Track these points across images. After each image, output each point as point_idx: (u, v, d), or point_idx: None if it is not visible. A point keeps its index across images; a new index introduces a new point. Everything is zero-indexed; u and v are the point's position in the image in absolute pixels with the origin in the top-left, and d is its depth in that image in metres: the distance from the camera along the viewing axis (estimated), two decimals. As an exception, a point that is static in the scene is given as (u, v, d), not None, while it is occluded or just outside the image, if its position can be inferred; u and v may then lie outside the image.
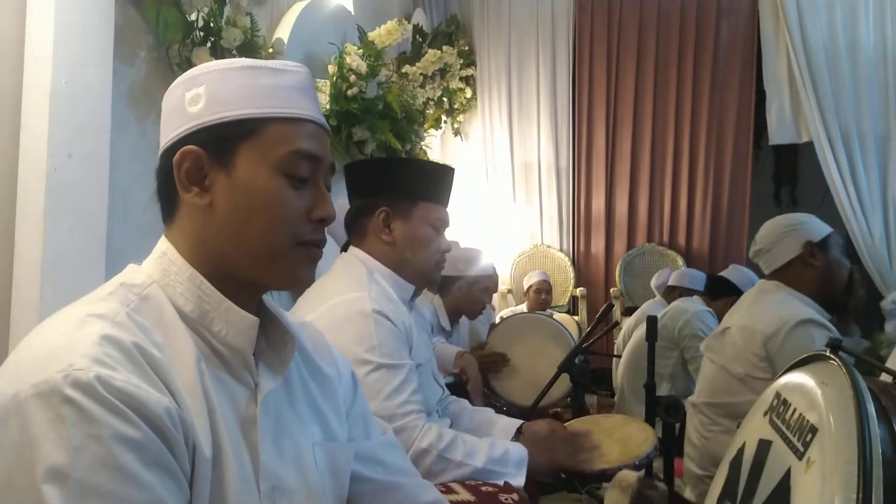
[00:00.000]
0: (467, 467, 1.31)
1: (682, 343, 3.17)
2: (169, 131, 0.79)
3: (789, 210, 1.92)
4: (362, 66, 3.06)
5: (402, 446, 1.10)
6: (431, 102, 4.51)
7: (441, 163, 1.60)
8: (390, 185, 1.48)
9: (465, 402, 1.74)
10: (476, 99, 5.38)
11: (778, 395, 1.00)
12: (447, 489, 1.27)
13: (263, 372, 0.79)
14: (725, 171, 5.05)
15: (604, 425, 1.54)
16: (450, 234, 1.59)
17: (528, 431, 1.50)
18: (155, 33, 2.09)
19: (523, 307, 4.52)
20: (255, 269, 0.78)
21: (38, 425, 0.59)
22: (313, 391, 0.88)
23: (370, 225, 1.48)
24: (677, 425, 1.68)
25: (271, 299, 0.87)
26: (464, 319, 3.00)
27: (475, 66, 5.34)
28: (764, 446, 0.96)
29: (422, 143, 4.01)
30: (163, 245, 0.79)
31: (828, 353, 0.92)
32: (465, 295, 2.80)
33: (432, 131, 4.76)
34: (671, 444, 1.56)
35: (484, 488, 1.29)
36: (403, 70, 4.07)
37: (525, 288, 4.54)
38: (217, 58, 2.20)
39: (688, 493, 1.99)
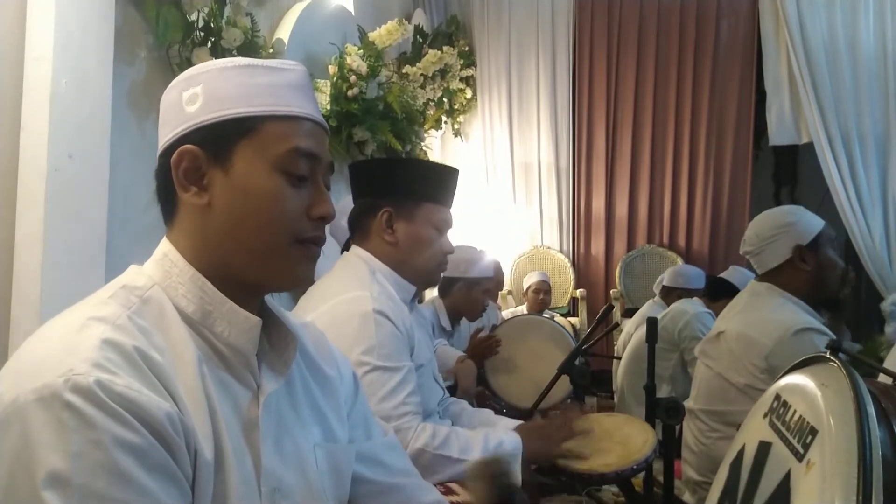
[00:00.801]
0: (464, 463, 1.31)
1: (682, 345, 3.17)
2: (167, 131, 0.79)
3: None
4: (363, 67, 3.06)
5: None
6: (432, 103, 4.51)
7: (445, 164, 1.60)
8: (394, 186, 1.48)
9: (465, 403, 1.74)
10: (476, 99, 5.38)
11: (778, 396, 1.00)
12: (448, 490, 1.27)
13: (265, 373, 0.79)
14: (725, 172, 5.05)
15: (604, 425, 1.54)
16: (450, 235, 1.59)
17: (523, 425, 1.51)
18: (155, 33, 2.09)
19: (523, 308, 4.52)
20: (254, 269, 0.77)
21: (38, 430, 0.59)
22: (315, 392, 0.88)
23: (373, 225, 1.48)
24: (677, 427, 1.68)
25: (272, 300, 0.86)
26: (466, 320, 3.00)
27: (475, 67, 5.34)
28: (764, 448, 0.96)
29: (422, 143, 4.02)
30: (164, 246, 0.79)
31: (828, 355, 0.92)
32: (465, 297, 2.79)
33: (432, 132, 4.76)
34: (671, 447, 1.55)
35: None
36: (404, 70, 4.08)
37: (524, 288, 4.54)
38: (217, 58, 2.19)
39: (687, 497, 1.99)
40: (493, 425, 1.58)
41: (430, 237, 1.49)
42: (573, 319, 5.02)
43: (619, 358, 3.61)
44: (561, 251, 5.30)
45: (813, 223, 1.87)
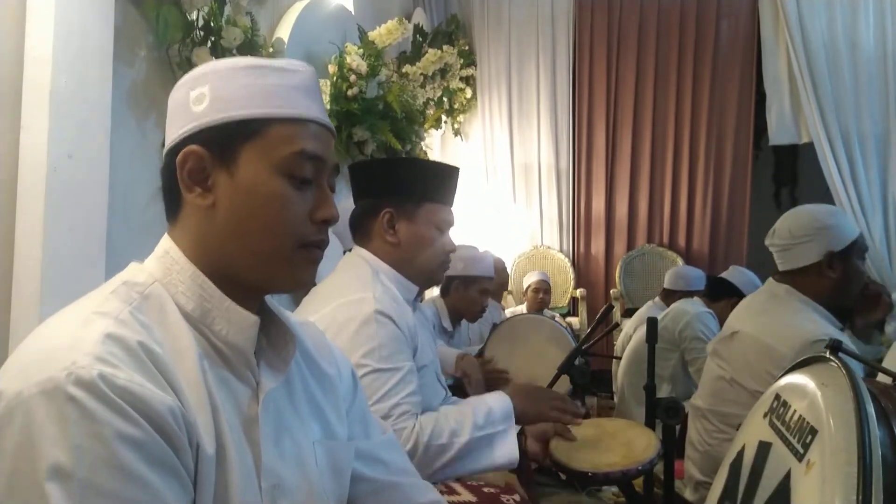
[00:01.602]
0: (456, 445, 1.31)
1: (682, 345, 3.16)
2: (173, 130, 0.79)
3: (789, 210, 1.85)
4: (362, 66, 3.06)
5: None
6: (431, 102, 4.51)
7: (445, 163, 1.60)
8: (395, 186, 1.48)
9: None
10: (476, 99, 5.38)
11: (778, 396, 1.00)
12: (449, 490, 1.27)
13: (265, 371, 0.79)
14: (725, 172, 5.05)
15: (607, 428, 1.54)
16: (451, 234, 1.59)
17: (513, 385, 1.50)
18: (155, 33, 2.09)
19: (522, 308, 4.52)
20: (255, 271, 0.78)
21: (41, 423, 0.59)
22: (314, 390, 0.88)
23: (375, 225, 1.48)
24: (677, 427, 1.68)
25: (272, 298, 0.87)
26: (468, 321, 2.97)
27: (475, 66, 5.34)
28: (764, 448, 0.96)
29: (422, 143, 4.02)
30: (165, 243, 0.79)
31: (828, 355, 0.92)
32: (462, 296, 2.76)
33: (432, 131, 4.77)
34: (671, 447, 1.55)
35: (485, 489, 1.29)
36: (403, 70, 4.08)
37: (524, 288, 4.54)
38: (217, 57, 2.20)
39: (688, 495, 1.98)
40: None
41: (431, 236, 1.49)
42: (573, 319, 5.02)
43: (619, 358, 3.61)
44: (561, 251, 5.30)
45: (849, 230, 1.80)
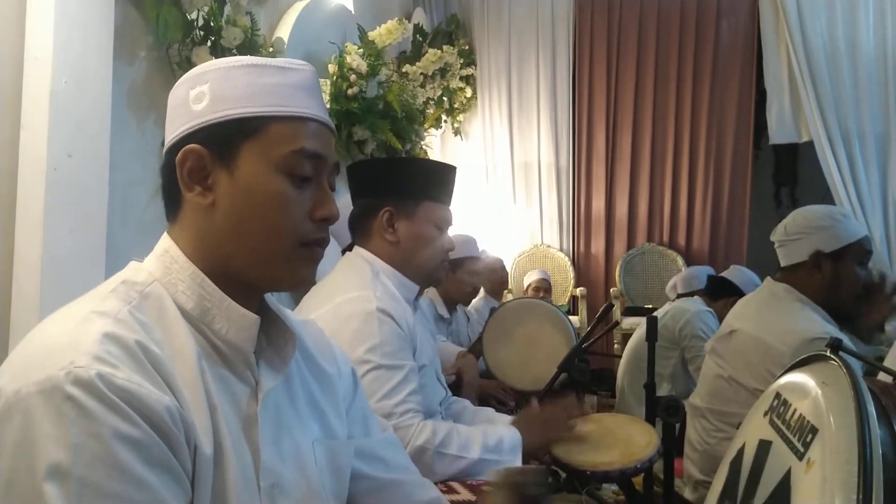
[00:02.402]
0: (464, 460, 1.32)
1: (682, 343, 3.17)
2: (173, 129, 0.79)
3: (789, 210, 1.84)
4: (362, 66, 3.06)
5: None
6: (431, 102, 4.51)
7: (443, 162, 1.60)
8: (394, 185, 1.49)
9: (466, 402, 1.75)
10: (476, 98, 5.38)
11: (778, 395, 1.00)
12: (448, 489, 1.27)
13: (264, 370, 0.79)
14: (725, 171, 5.04)
15: (607, 424, 1.54)
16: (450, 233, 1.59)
17: (521, 417, 1.51)
18: (155, 33, 2.09)
19: (523, 306, 4.51)
20: (255, 269, 0.77)
21: (39, 422, 0.59)
22: (313, 389, 0.88)
23: (374, 225, 1.49)
24: (677, 426, 1.68)
25: (272, 297, 0.87)
26: (471, 310, 2.96)
27: (475, 66, 5.34)
28: (764, 447, 0.96)
29: (422, 142, 4.02)
30: (165, 242, 0.79)
31: (828, 353, 0.92)
32: (452, 279, 2.78)
33: (432, 131, 4.76)
34: (671, 445, 1.55)
35: (485, 488, 1.29)
36: (404, 69, 4.07)
37: (525, 286, 4.54)
38: (217, 57, 2.19)
39: (687, 494, 1.98)
40: (493, 423, 1.59)
41: (431, 235, 1.50)
42: (573, 318, 5.02)
43: (619, 357, 3.61)
44: (561, 250, 5.30)
45: (847, 233, 1.80)
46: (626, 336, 4.25)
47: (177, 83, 0.81)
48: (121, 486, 0.60)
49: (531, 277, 4.48)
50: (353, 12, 3.57)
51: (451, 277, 2.77)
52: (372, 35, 3.37)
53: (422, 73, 4.15)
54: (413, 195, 1.48)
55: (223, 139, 0.76)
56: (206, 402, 0.70)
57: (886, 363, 1.58)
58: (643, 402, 1.74)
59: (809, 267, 1.80)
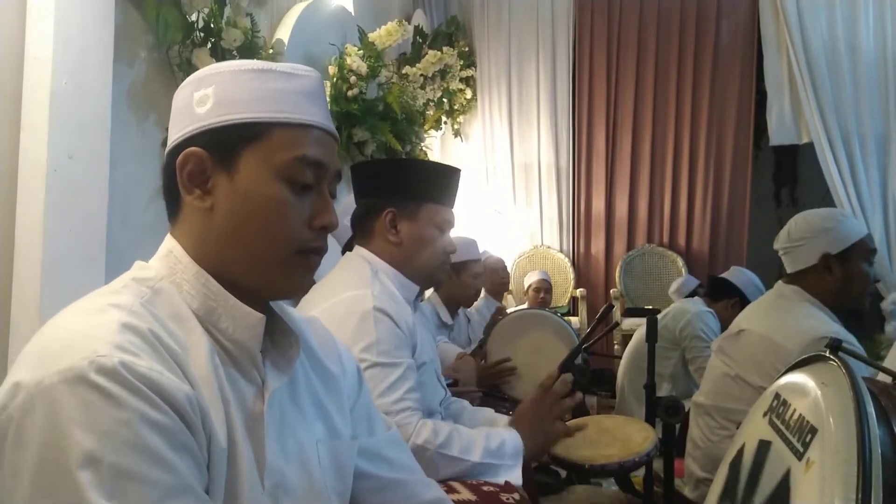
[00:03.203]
0: (465, 462, 1.32)
1: (683, 343, 3.17)
2: (176, 131, 0.79)
3: (789, 211, 1.84)
4: (362, 67, 3.06)
5: None
6: (431, 103, 4.51)
7: (447, 164, 1.61)
8: (397, 186, 1.49)
9: (465, 402, 1.75)
10: (476, 100, 5.38)
11: (777, 395, 1.00)
12: (449, 488, 1.27)
13: (269, 370, 0.80)
14: (725, 172, 5.04)
15: (605, 424, 1.55)
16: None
17: (518, 416, 1.51)
18: (155, 34, 2.09)
19: (524, 307, 4.52)
20: (252, 275, 0.77)
21: (66, 412, 0.59)
22: (317, 389, 0.88)
23: (377, 225, 1.49)
24: (678, 426, 1.68)
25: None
26: (471, 311, 2.96)
27: (475, 67, 5.34)
28: (764, 447, 0.96)
29: (422, 144, 4.02)
30: (168, 243, 0.79)
31: (828, 354, 0.92)
32: (455, 283, 2.78)
33: (432, 132, 4.76)
34: (671, 445, 1.55)
35: (485, 487, 1.29)
36: (404, 71, 4.08)
37: (525, 287, 4.55)
38: (217, 59, 2.20)
39: (688, 492, 1.99)
40: (493, 424, 1.59)
41: (432, 237, 1.50)
42: (573, 319, 5.02)
43: (619, 357, 3.61)
44: (561, 251, 5.30)
45: (850, 233, 1.81)
46: (627, 337, 4.26)
47: (181, 85, 0.81)
48: (152, 471, 0.60)
49: (531, 278, 4.48)
50: (353, 14, 3.57)
51: (454, 281, 2.78)
52: (372, 36, 3.37)
53: (422, 75, 4.15)
54: (416, 197, 1.49)
55: (225, 143, 0.76)
56: (220, 397, 0.71)
57: (886, 363, 1.58)
58: (643, 403, 1.74)
59: (819, 270, 1.80)
